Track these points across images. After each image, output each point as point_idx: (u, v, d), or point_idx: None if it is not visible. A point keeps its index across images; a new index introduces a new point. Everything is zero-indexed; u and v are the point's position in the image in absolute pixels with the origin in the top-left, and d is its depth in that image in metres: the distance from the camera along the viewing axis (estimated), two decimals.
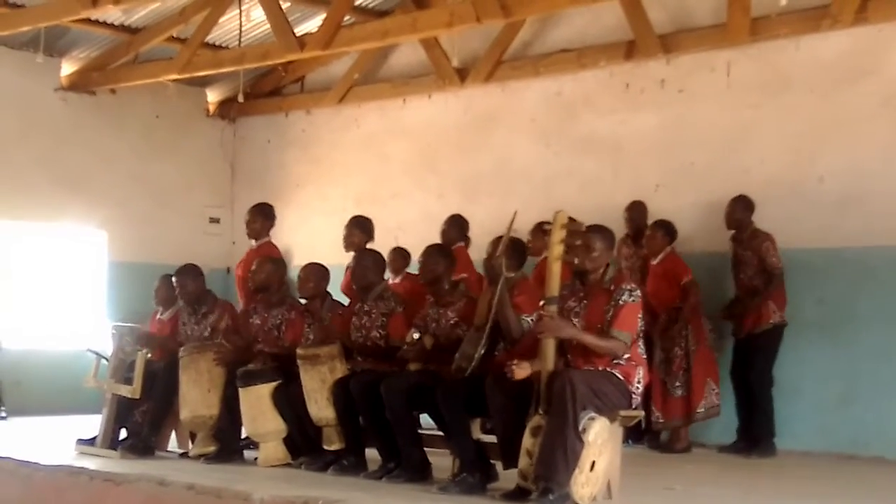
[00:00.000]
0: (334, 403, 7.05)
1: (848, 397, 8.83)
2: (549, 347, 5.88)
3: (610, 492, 6.11)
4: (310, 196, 12.59)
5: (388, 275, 8.44)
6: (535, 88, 10.96)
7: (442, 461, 6.71)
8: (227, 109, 13.17)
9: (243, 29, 11.14)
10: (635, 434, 8.79)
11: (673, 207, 9.62)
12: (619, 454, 6.18)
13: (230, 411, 7.69)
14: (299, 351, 7.31)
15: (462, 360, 6.32)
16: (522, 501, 5.84)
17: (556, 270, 5.96)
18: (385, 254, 8.26)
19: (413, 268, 9.60)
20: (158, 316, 8.69)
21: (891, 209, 8.71)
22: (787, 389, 8.91)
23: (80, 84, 11.89)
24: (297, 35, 10.35)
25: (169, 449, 8.33)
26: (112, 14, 10.77)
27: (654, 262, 9.04)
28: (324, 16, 10.38)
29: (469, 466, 6.33)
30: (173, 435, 8.46)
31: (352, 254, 8.44)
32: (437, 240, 8.81)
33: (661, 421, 8.79)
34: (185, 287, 8.33)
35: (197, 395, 7.79)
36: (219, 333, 8.13)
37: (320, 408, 7.14)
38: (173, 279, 8.43)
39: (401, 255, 9.58)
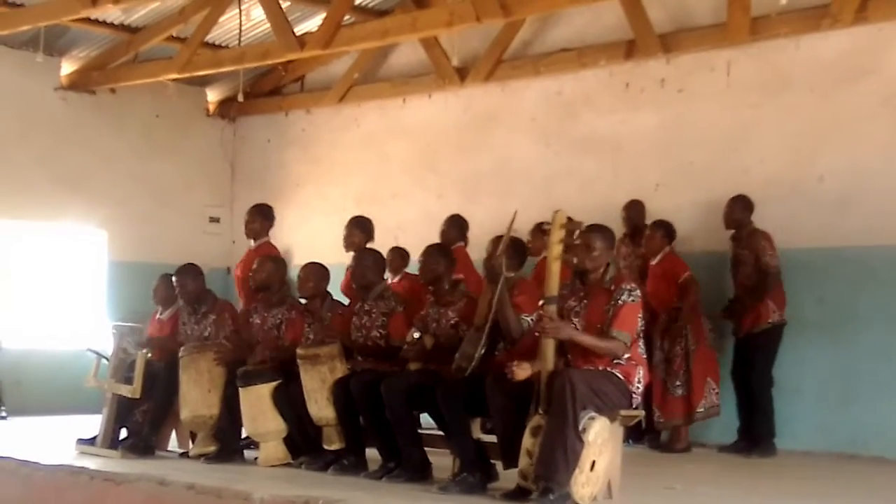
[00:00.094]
0: (334, 403, 7.05)
1: (848, 397, 8.83)
2: (549, 347, 5.88)
3: (610, 491, 6.11)
4: (310, 195, 12.58)
5: (386, 274, 8.43)
6: (535, 88, 10.96)
7: (442, 461, 6.70)
8: (227, 109, 13.17)
9: (243, 28, 11.14)
10: (636, 434, 8.79)
11: (673, 207, 9.62)
12: (620, 454, 6.18)
13: (230, 411, 7.69)
14: (299, 351, 7.31)
15: (462, 360, 6.32)
16: (523, 501, 5.84)
17: (555, 270, 5.96)
18: (384, 254, 8.25)
19: (412, 268, 9.62)
20: (158, 316, 8.68)
21: (891, 208, 8.71)
22: (787, 389, 8.91)
23: (80, 83, 11.89)
24: (297, 34, 10.35)
25: (169, 449, 8.33)
26: (112, 13, 10.77)
27: (654, 262, 9.04)
28: (324, 15, 10.38)
29: (469, 466, 6.33)
30: (173, 435, 8.46)
31: (352, 254, 8.45)
32: (437, 240, 8.81)
33: (661, 420, 8.79)
34: (185, 287, 8.32)
35: (197, 395, 7.79)
36: (220, 336, 8.12)
37: (320, 407, 7.14)
38: (173, 279, 8.43)
39: (399, 254, 9.59)
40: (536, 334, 5.96)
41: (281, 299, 8.04)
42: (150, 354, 8.13)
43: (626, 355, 6.01)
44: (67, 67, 11.91)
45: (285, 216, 12.01)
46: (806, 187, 9.18)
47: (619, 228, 8.85)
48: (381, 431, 6.84)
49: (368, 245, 8.54)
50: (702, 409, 8.76)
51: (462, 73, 11.17)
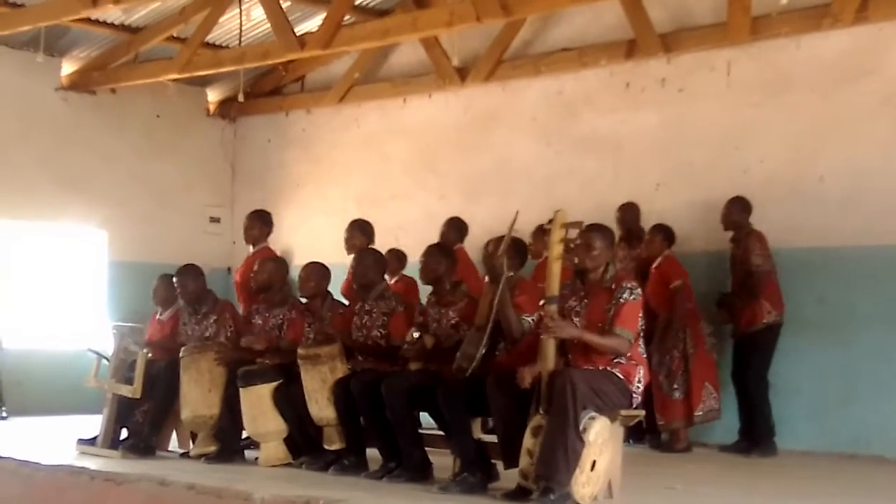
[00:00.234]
0: (335, 403, 7.05)
1: (848, 397, 8.83)
2: (550, 347, 5.88)
3: (611, 491, 6.11)
4: (310, 196, 12.58)
5: None
6: (535, 87, 10.96)
7: (443, 461, 6.70)
8: (228, 109, 13.17)
9: (243, 28, 11.14)
10: (636, 434, 8.79)
11: (673, 206, 9.63)
12: (620, 454, 6.18)
13: (231, 411, 7.69)
14: (300, 351, 7.31)
15: (463, 360, 6.32)
16: (523, 501, 5.84)
17: (556, 270, 5.96)
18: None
19: (409, 269, 9.64)
20: (158, 316, 8.68)
21: (891, 208, 8.71)
22: (787, 389, 8.91)
23: (81, 84, 11.89)
24: (298, 34, 10.35)
25: (170, 449, 8.33)
26: (112, 14, 10.77)
27: (654, 265, 9.03)
28: (324, 15, 10.38)
29: (470, 466, 6.33)
30: (174, 435, 8.46)
31: (353, 256, 8.46)
32: (437, 240, 8.82)
33: (661, 423, 8.80)
34: (186, 287, 8.33)
35: (198, 395, 7.79)
36: (221, 337, 8.12)
37: (321, 407, 7.14)
38: (174, 279, 8.43)
39: (396, 256, 9.61)
40: (541, 334, 5.93)
41: (282, 299, 8.05)
42: (150, 354, 8.13)
43: (627, 354, 6.01)
44: (68, 68, 11.91)
45: (285, 216, 12.04)
46: (806, 187, 9.18)
47: (614, 230, 8.84)
48: (381, 431, 6.84)
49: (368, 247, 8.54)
50: (700, 413, 8.77)
51: (462, 73, 11.17)
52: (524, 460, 5.82)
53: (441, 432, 6.67)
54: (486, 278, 6.60)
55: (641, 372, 6.10)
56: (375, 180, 12.06)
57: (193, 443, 8.04)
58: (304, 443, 7.47)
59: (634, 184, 10.02)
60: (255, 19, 11.15)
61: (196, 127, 13.07)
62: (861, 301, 8.85)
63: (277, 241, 10.07)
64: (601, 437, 5.83)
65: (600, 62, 10.37)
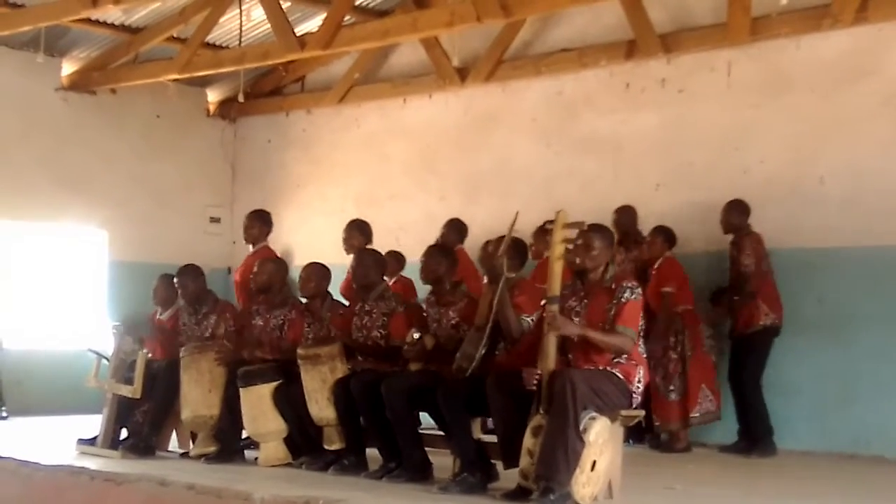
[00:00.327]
0: (335, 403, 7.06)
1: (848, 397, 8.83)
2: (551, 346, 5.89)
3: (611, 491, 6.12)
4: (310, 196, 12.58)
5: None
6: (535, 88, 10.96)
7: (443, 461, 6.70)
8: (228, 109, 13.17)
9: (243, 29, 11.14)
10: (636, 434, 8.79)
11: (673, 207, 9.63)
12: (620, 454, 6.19)
13: (231, 411, 7.69)
14: (300, 351, 7.32)
15: (463, 360, 6.33)
16: (523, 501, 5.84)
17: (557, 270, 5.97)
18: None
19: (407, 270, 9.65)
20: (158, 316, 8.69)
21: (891, 209, 8.70)
22: (787, 389, 8.91)
23: (81, 84, 11.89)
24: (298, 35, 10.35)
25: (170, 449, 8.34)
26: (112, 14, 10.77)
27: (654, 267, 9.02)
28: (324, 15, 10.38)
29: (470, 466, 6.33)
30: (174, 435, 8.46)
31: (352, 256, 8.47)
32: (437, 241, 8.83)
33: (657, 424, 8.80)
34: (187, 287, 8.34)
35: (198, 395, 7.80)
36: (220, 338, 8.13)
37: (321, 407, 7.15)
38: (174, 279, 8.44)
39: (395, 257, 9.63)
40: (548, 328, 5.91)
41: (283, 300, 8.05)
42: (150, 354, 8.13)
43: (629, 353, 6.02)
44: (68, 68, 11.91)
45: (285, 217, 12.05)
46: (806, 188, 9.18)
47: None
48: (381, 431, 6.85)
49: (367, 247, 8.54)
50: (696, 415, 8.77)
51: (462, 74, 11.17)
52: (524, 460, 5.83)
53: (441, 432, 6.68)
54: (486, 279, 6.61)
55: (641, 372, 6.10)
56: (375, 181, 12.06)
57: (193, 443, 8.04)
58: (303, 443, 7.47)
59: (634, 184, 10.02)
60: (256, 20, 11.15)
61: (196, 127, 13.07)
62: (861, 301, 8.84)
63: (277, 242, 10.06)
64: (601, 438, 5.84)
65: (600, 63, 10.37)
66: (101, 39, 11.60)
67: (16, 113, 11.51)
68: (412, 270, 9.23)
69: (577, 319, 6.09)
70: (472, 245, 9.43)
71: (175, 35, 11.33)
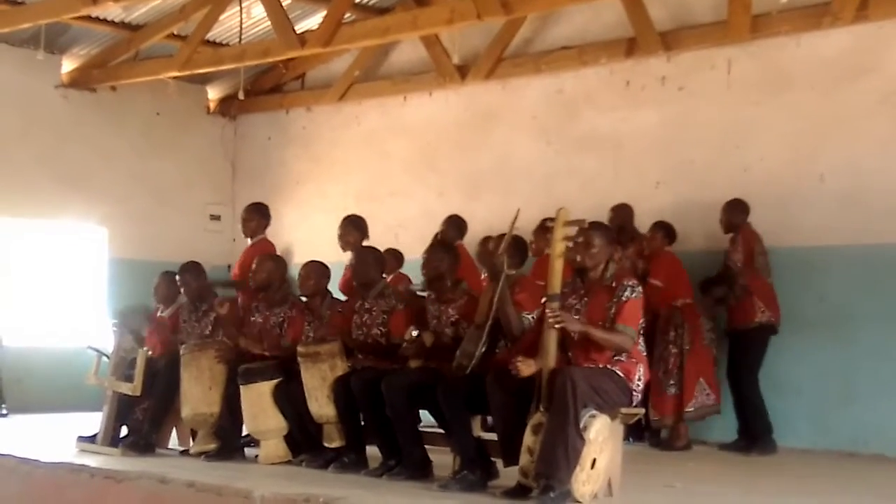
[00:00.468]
0: (335, 401, 7.05)
1: (848, 395, 8.83)
2: (551, 344, 5.89)
3: (611, 489, 6.12)
4: (310, 193, 12.59)
5: None
6: (535, 86, 10.96)
7: (443, 459, 6.70)
8: (228, 107, 13.17)
9: (244, 26, 11.14)
10: (636, 432, 8.79)
11: (673, 205, 9.63)
12: (620, 452, 6.18)
13: (231, 409, 7.68)
14: (300, 349, 7.31)
15: (463, 358, 6.32)
16: (523, 499, 5.84)
17: (558, 268, 5.97)
18: None
19: (406, 267, 9.66)
20: (159, 313, 8.68)
21: (891, 207, 8.71)
22: (787, 387, 8.92)
23: (81, 81, 11.89)
24: (298, 32, 10.36)
25: (170, 446, 8.33)
26: (112, 11, 10.77)
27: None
28: (324, 13, 10.38)
29: (470, 464, 6.33)
30: (174, 432, 8.46)
31: (350, 253, 8.46)
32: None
33: (655, 418, 8.81)
34: (189, 285, 8.35)
35: (198, 393, 7.79)
36: (220, 323, 8.12)
37: (321, 405, 7.14)
38: (176, 277, 8.44)
39: (393, 255, 9.63)
40: (545, 326, 5.91)
41: (282, 298, 8.04)
42: (150, 352, 8.13)
43: (629, 351, 6.02)
44: (68, 65, 11.91)
45: (285, 214, 12.05)
46: (806, 186, 9.18)
47: None
48: (381, 429, 6.84)
49: (364, 243, 8.52)
50: (692, 409, 8.76)
51: (463, 71, 11.17)
52: (524, 458, 5.82)
53: (441, 430, 6.67)
54: (484, 275, 6.60)
55: (641, 370, 6.10)
56: (375, 178, 12.06)
57: (193, 440, 8.05)
58: (304, 440, 7.47)
59: (634, 182, 10.02)
60: (256, 17, 11.16)
61: (196, 124, 13.07)
62: (861, 300, 8.85)
63: (277, 239, 10.01)
64: (601, 435, 5.84)
65: (600, 60, 10.37)
66: (102, 37, 11.60)
67: (16, 110, 11.51)
68: (410, 267, 9.24)
69: (578, 318, 6.08)
70: (471, 243, 9.44)
71: (175, 32, 11.34)
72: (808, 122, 9.25)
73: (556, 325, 5.86)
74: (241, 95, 11.84)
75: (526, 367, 5.87)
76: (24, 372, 11.01)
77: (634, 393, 6.07)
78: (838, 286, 8.97)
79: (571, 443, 5.65)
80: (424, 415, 6.77)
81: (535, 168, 10.82)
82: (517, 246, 6.84)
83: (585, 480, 5.79)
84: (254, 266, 8.24)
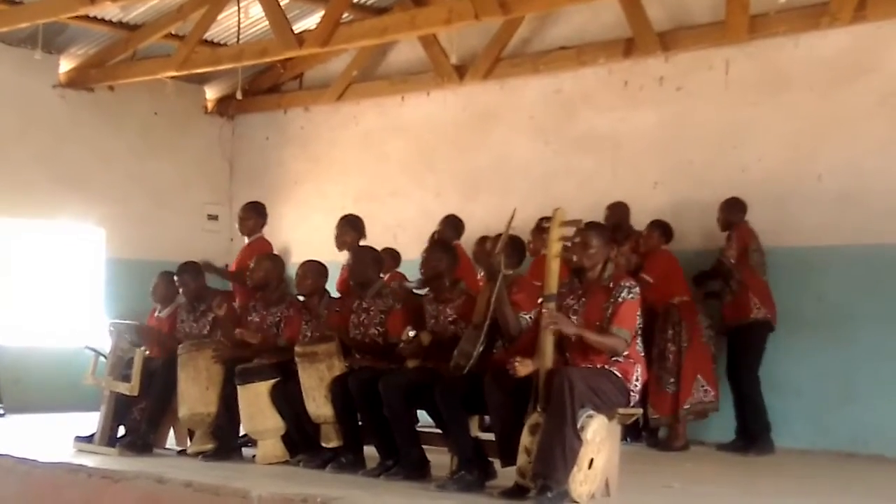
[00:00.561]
0: (332, 401, 7.05)
1: (847, 395, 8.83)
2: (548, 345, 5.88)
3: (608, 489, 6.11)
4: (308, 193, 12.58)
5: None
6: (533, 86, 10.95)
7: (440, 459, 6.70)
8: (226, 106, 13.15)
9: (242, 26, 11.14)
10: (634, 432, 8.79)
11: (671, 205, 9.63)
12: (618, 452, 6.19)
13: (228, 409, 7.68)
14: (297, 348, 7.31)
15: (460, 358, 6.32)
16: (521, 499, 5.84)
17: (554, 268, 5.96)
18: None
19: (403, 269, 9.66)
20: (157, 314, 8.68)
21: (890, 207, 8.71)
22: (786, 388, 8.91)
23: (79, 81, 11.88)
24: (296, 32, 10.34)
25: (167, 446, 8.32)
26: (110, 11, 10.76)
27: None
28: (322, 13, 10.37)
29: (467, 464, 6.32)
30: (171, 432, 8.45)
31: (346, 253, 8.47)
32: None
33: (654, 416, 8.81)
34: (188, 285, 8.35)
35: (195, 393, 7.79)
36: (218, 323, 8.12)
37: (318, 405, 7.14)
38: (175, 277, 8.43)
39: (391, 255, 9.64)
40: (545, 326, 5.91)
41: (280, 297, 8.04)
42: (147, 351, 8.13)
43: (625, 353, 6.01)
44: (66, 65, 11.89)
45: (283, 214, 12.05)
46: (804, 186, 9.18)
47: None
48: (379, 429, 6.84)
49: (361, 243, 8.52)
50: (687, 406, 8.75)
51: (461, 71, 11.17)
52: (522, 458, 5.82)
53: (438, 430, 6.66)
54: (481, 275, 6.60)
55: (639, 370, 6.10)
56: (374, 178, 12.06)
57: (191, 440, 8.04)
58: (301, 440, 7.46)
59: (633, 182, 10.02)
60: (254, 17, 11.14)
61: (194, 124, 13.06)
62: (860, 300, 8.85)
63: (275, 239, 10.02)
64: (599, 436, 5.83)
65: (599, 61, 10.36)
66: (99, 36, 11.58)
67: (13, 110, 11.49)
68: (408, 268, 9.24)
69: (575, 318, 6.08)
70: (468, 242, 9.44)
71: (173, 32, 11.32)
72: (807, 122, 9.25)
73: (548, 329, 5.86)
74: (238, 95, 11.83)
75: (523, 368, 5.86)
76: (21, 372, 11.00)
77: (632, 393, 6.07)
78: (837, 286, 8.97)
79: (569, 443, 5.65)
80: (422, 415, 6.76)
81: (534, 168, 10.81)
82: (514, 246, 6.84)
83: (583, 481, 5.78)
84: (252, 265, 8.25)
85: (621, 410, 6.08)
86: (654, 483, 6.80)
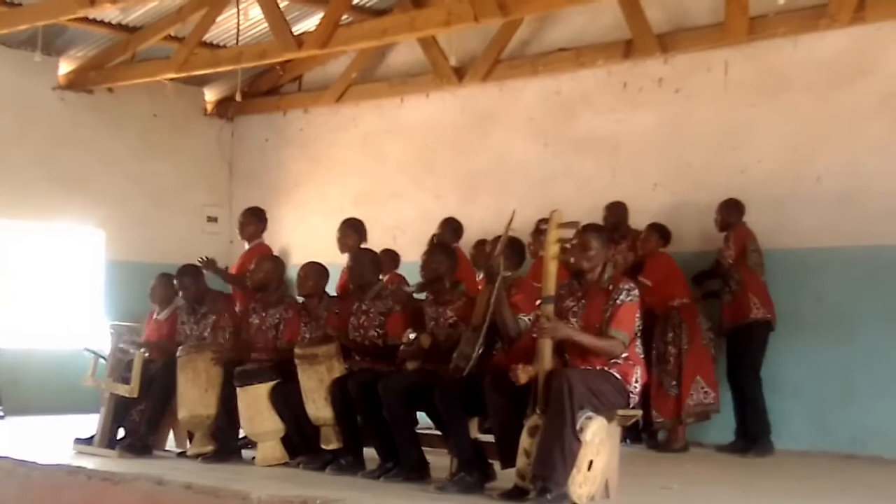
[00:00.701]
0: (332, 403, 7.05)
1: (846, 396, 8.83)
2: (547, 347, 5.89)
3: (608, 491, 6.11)
4: (308, 195, 12.58)
5: None
6: (532, 87, 10.95)
7: (440, 460, 6.70)
8: (225, 108, 13.16)
9: (241, 28, 11.14)
10: (633, 433, 8.80)
11: (670, 207, 9.64)
12: (617, 453, 6.19)
13: (228, 411, 7.68)
14: (297, 350, 7.31)
15: (460, 360, 6.32)
16: (520, 501, 5.84)
17: (552, 270, 5.97)
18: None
19: (403, 271, 9.65)
20: (155, 316, 8.67)
21: (889, 208, 8.71)
22: (785, 389, 8.92)
23: (78, 83, 11.87)
24: (295, 34, 10.34)
25: (166, 448, 8.32)
26: (109, 13, 10.76)
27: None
28: (321, 15, 10.37)
29: (467, 466, 6.33)
30: (171, 434, 8.45)
31: (347, 255, 8.47)
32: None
33: (658, 419, 8.81)
34: (188, 288, 8.34)
35: (195, 395, 7.78)
36: (218, 331, 8.13)
37: (318, 407, 7.14)
38: (174, 280, 8.43)
39: (390, 256, 9.64)
40: (534, 335, 5.95)
41: (279, 299, 8.04)
42: (147, 354, 8.12)
43: (624, 355, 6.02)
44: (65, 67, 11.89)
45: (283, 215, 12.05)
46: (804, 187, 9.18)
47: None
48: (378, 431, 6.84)
49: (362, 246, 8.54)
50: (689, 404, 8.75)
51: (460, 73, 11.17)
52: (521, 460, 5.82)
53: (438, 432, 6.67)
54: (481, 277, 6.60)
55: (639, 372, 6.10)
56: (373, 180, 12.06)
57: (190, 442, 8.04)
58: (301, 442, 7.46)
59: (632, 184, 10.02)
60: (253, 19, 11.15)
61: (193, 126, 13.06)
62: (859, 301, 8.85)
63: (275, 240, 10.04)
64: (598, 437, 5.83)
65: (598, 62, 10.36)
66: (99, 38, 11.59)
67: (13, 112, 11.49)
68: (408, 270, 9.24)
69: (575, 320, 6.09)
70: (467, 245, 9.44)
71: (172, 34, 11.33)
72: (806, 123, 9.25)
73: (540, 337, 5.86)
74: (238, 97, 11.83)
75: (525, 375, 5.86)
76: (21, 374, 10.99)
77: (631, 395, 6.08)
78: (836, 287, 8.97)
79: (568, 445, 5.65)
80: (422, 416, 6.77)
81: (533, 170, 10.82)
82: (514, 247, 6.85)
83: (582, 482, 5.79)
84: (252, 266, 8.26)
85: (621, 412, 6.08)
86: (653, 484, 6.80)
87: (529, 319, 6.30)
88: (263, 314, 8.02)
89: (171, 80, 11.86)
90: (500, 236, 6.58)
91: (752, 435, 8.71)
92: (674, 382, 8.74)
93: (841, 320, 8.89)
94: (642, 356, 6.22)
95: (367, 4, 11.31)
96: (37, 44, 11.00)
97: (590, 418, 5.77)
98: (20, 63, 11.39)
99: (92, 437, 8.10)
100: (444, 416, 6.40)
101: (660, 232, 9.09)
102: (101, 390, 8.17)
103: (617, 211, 9.46)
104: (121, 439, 8.13)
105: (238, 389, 7.57)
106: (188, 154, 12.95)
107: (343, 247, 8.69)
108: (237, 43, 11.24)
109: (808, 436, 8.91)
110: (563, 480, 5.69)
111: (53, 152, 11.73)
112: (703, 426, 9.07)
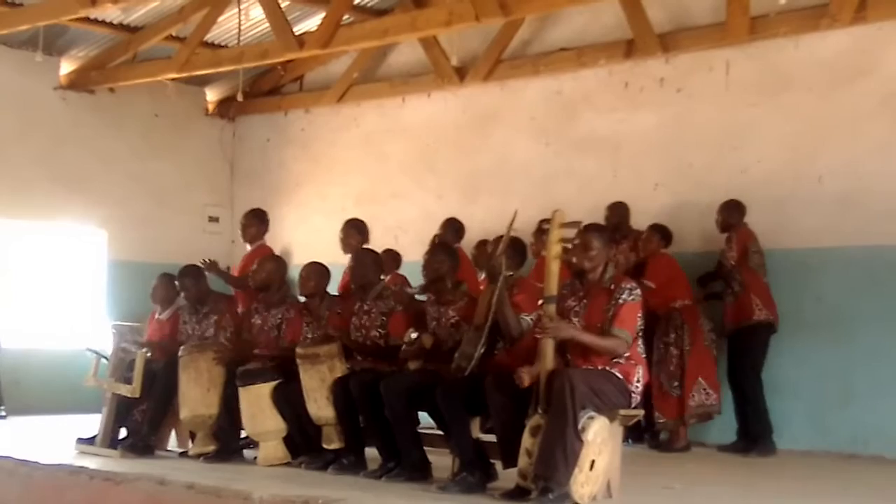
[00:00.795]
0: (334, 402, 7.06)
1: (847, 396, 8.84)
2: (549, 347, 5.89)
3: (609, 491, 6.12)
4: (309, 195, 12.58)
5: None
6: (534, 87, 10.96)
7: (442, 460, 6.71)
8: (227, 108, 13.16)
9: (242, 28, 11.15)
10: (635, 433, 8.80)
11: (671, 206, 9.64)
12: (619, 453, 6.19)
13: (230, 410, 7.69)
14: (299, 350, 7.31)
15: (461, 360, 6.33)
16: (522, 501, 5.84)
17: (554, 269, 5.97)
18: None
19: (404, 271, 9.66)
20: (157, 316, 8.67)
21: (889, 208, 8.71)
22: (785, 389, 8.92)
23: (80, 83, 11.88)
24: (296, 34, 10.35)
25: (168, 448, 8.33)
26: (111, 13, 10.77)
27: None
28: (323, 15, 10.38)
29: (469, 466, 6.33)
30: (173, 434, 8.46)
31: (349, 255, 8.48)
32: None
33: (661, 420, 8.81)
34: (189, 289, 8.35)
35: (196, 395, 7.79)
36: (220, 331, 8.14)
37: (320, 407, 7.15)
38: (175, 280, 8.44)
39: (392, 256, 9.64)
40: (537, 335, 5.95)
41: (281, 299, 8.05)
42: (149, 354, 8.13)
43: (626, 354, 6.02)
44: (67, 67, 11.90)
45: (284, 215, 12.06)
46: (805, 187, 9.18)
47: None
48: (380, 431, 6.84)
49: (365, 247, 8.55)
50: (691, 405, 8.75)
51: (461, 73, 11.17)
52: (523, 460, 5.83)
53: (440, 432, 6.67)
54: (482, 276, 6.60)
55: (640, 371, 6.10)
56: (374, 180, 12.06)
57: (192, 442, 8.04)
58: (302, 442, 7.47)
59: (633, 184, 10.02)
60: (254, 19, 11.15)
61: (195, 126, 13.06)
62: (859, 301, 8.85)
63: (276, 241, 10.04)
64: (600, 437, 5.84)
65: (599, 62, 10.37)
66: (100, 38, 11.59)
67: (14, 112, 11.50)
68: (408, 269, 9.25)
69: (577, 320, 6.09)
70: (469, 245, 9.44)
71: (174, 34, 11.33)
72: (807, 123, 9.25)
73: (542, 336, 5.86)
74: (239, 97, 11.84)
75: (529, 377, 5.86)
76: (22, 374, 11.00)
77: (633, 394, 6.08)
78: (836, 288, 8.97)
79: (570, 444, 5.66)
80: (423, 416, 6.77)
81: (534, 169, 10.82)
82: (516, 247, 6.85)
83: (584, 482, 5.79)
84: (254, 266, 8.27)
85: (622, 412, 6.08)
86: (655, 484, 6.81)
87: (531, 319, 6.30)
88: (265, 314, 8.03)
89: (173, 80, 11.87)
90: (501, 236, 6.58)
91: (754, 435, 8.71)
92: (676, 384, 8.75)
93: (841, 320, 8.90)
94: (644, 356, 6.22)
95: (369, 4, 11.31)
96: (38, 44, 11.02)
97: (592, 418, 5.77)
98: (22, 63, 11.40)
99: (94, 437, 8.10)
100: (446, 415, 6.40)
101: (661, 233, 9.09)
102: (102, 390, 8.18)
103: (618, 211, 9.47)
104: (123, 439, 8.14)
105: (240, 389, 7.58)
106: (190, 154, 12.96)
107: (346, 247, 8.72)
108: (238, 43, 11.24)
109: (809, 436, 8.91)
110: (565, 480, 5.69)
111: (55, 152, 11.74)
112: (705, 426, 9.08)
